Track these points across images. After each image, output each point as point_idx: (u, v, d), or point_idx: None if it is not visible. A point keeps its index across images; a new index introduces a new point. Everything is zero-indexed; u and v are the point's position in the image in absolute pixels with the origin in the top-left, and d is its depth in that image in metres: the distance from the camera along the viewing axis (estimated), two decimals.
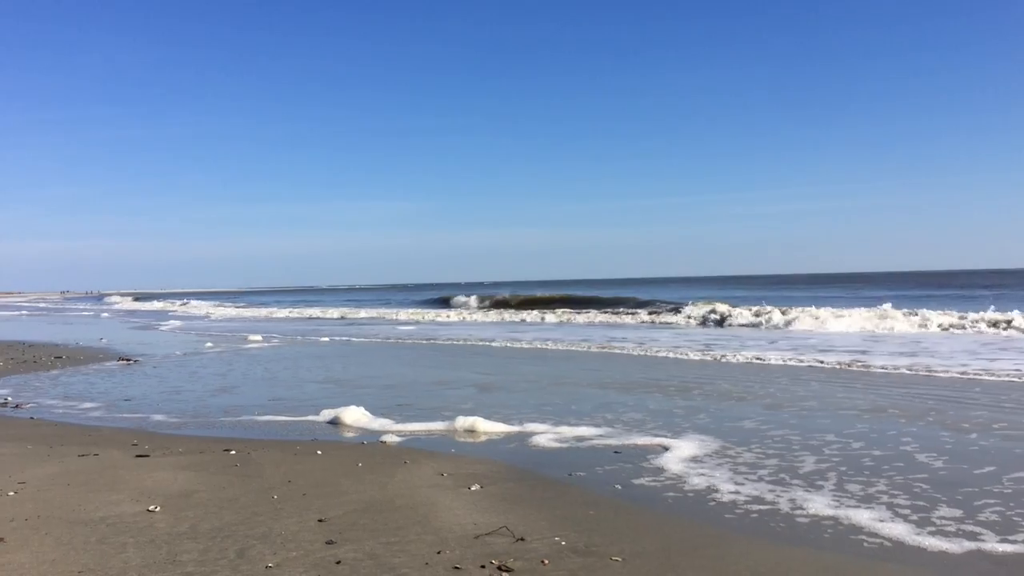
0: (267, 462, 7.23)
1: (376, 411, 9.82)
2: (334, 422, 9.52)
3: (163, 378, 14.68)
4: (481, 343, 22.44)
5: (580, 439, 8.19)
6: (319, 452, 7.71)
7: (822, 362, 14.94)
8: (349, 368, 16.36)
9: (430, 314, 41.41)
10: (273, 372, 15.50)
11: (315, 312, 48.37)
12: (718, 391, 11.55)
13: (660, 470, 6.80)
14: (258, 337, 25.89)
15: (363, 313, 46.10)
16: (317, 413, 10.03)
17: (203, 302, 75.55)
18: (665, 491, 6.12)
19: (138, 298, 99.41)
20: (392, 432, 8.79)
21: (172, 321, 41.73)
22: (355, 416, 9.53)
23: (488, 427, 8.85)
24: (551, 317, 34.87)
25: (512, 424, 9.07)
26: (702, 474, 6.64)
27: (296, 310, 51.98)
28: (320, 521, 5.31)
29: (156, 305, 73.52)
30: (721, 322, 28.56)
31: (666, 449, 7.58)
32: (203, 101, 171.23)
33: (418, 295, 77.18)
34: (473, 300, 52.38)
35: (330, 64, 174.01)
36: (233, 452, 7.70)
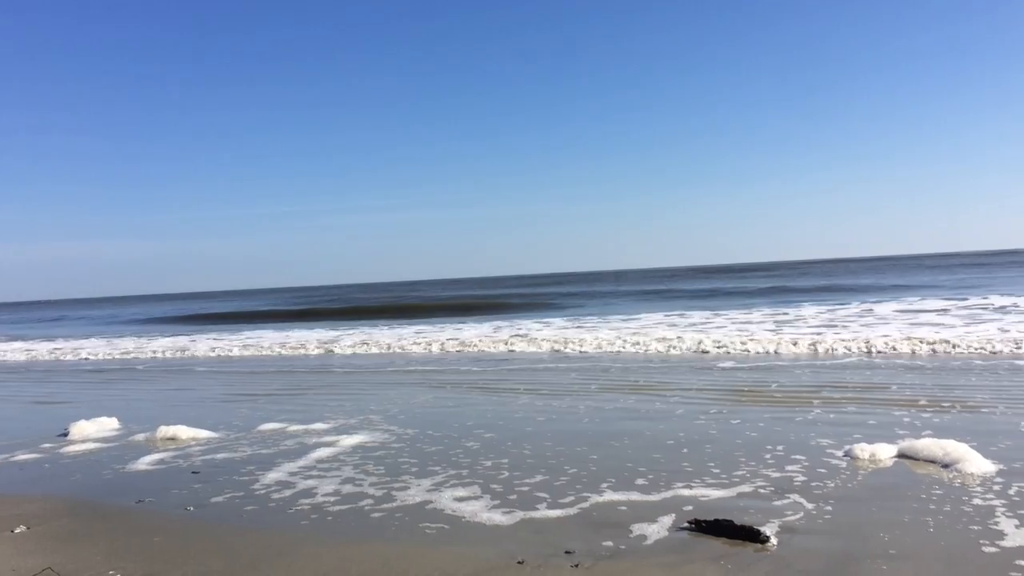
0: None
1: None
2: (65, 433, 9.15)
3: None
4: None
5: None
6: None
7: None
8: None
9: None
10: None
11: None
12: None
13: (255, 481, 6.69)
14: None
15: None
16: None
17: None
18: (246, 504, 5.96)
19: None
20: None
21: None
22: (84, 429, 9.31)
23: (192, 433, 8.80)
24: None
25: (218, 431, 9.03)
26: (308, 478, 6.70)
27: None
28: None
29: None
30: None
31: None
32: None
33: None
34: None
35: None
36: None
